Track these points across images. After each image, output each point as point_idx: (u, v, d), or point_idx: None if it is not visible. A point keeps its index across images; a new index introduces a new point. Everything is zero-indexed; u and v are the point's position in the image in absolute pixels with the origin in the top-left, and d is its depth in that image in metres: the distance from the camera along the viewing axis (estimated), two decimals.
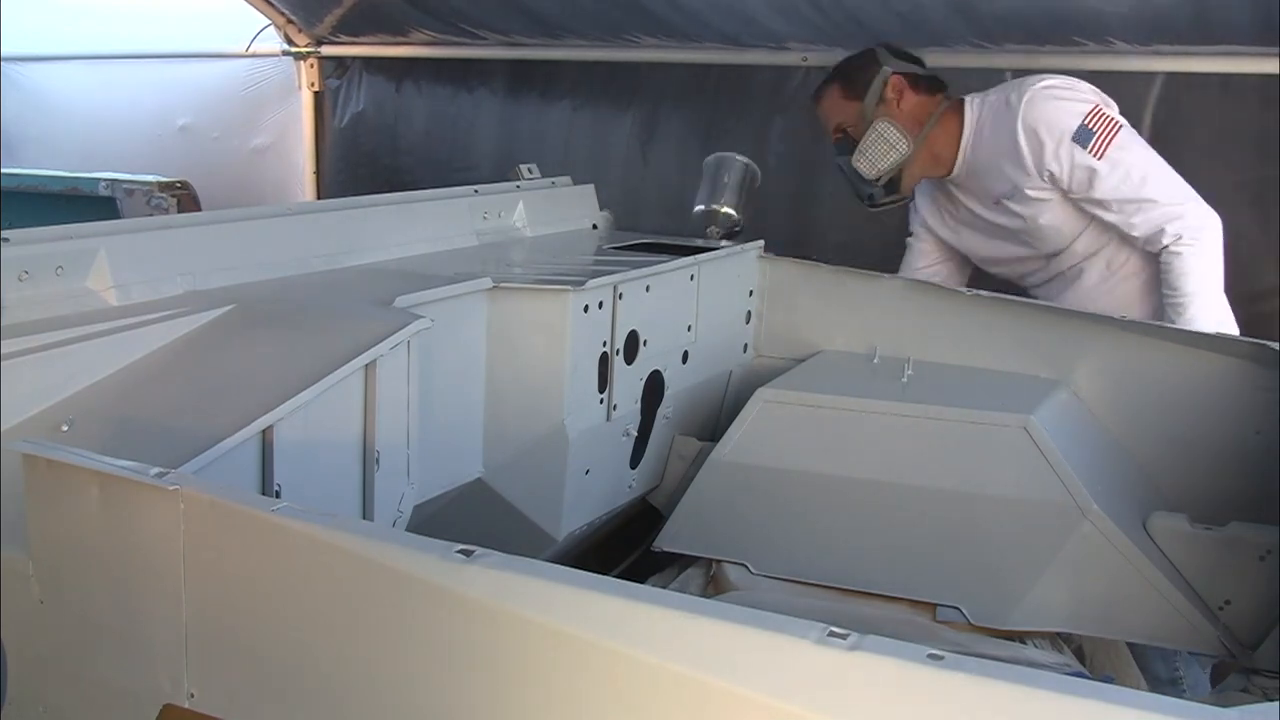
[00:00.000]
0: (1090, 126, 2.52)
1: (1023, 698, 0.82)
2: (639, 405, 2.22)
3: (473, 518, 2.01)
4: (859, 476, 2.08)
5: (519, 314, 1.97)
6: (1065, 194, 2.59)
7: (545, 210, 2.65)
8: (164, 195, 3.57)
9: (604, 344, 2.07)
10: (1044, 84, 2.61)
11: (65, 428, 1.41)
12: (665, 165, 3.92)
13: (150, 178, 3.64)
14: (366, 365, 1.60)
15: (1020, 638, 1.99)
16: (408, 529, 1.73)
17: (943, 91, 2.79)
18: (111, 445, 1.32)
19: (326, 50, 4.66)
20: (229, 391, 1.54)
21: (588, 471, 2.10)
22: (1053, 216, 2.64)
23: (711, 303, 2.38)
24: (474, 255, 2.33)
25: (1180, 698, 1.41)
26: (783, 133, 3.75)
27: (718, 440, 2.21)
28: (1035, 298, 2.84)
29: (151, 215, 3.42)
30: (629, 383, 2.17)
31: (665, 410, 2.31)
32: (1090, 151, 2.51)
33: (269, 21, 4.62)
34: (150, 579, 1.15)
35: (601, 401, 2.10)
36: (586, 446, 2.06)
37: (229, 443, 1.36)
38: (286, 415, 1.46)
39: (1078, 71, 2.76)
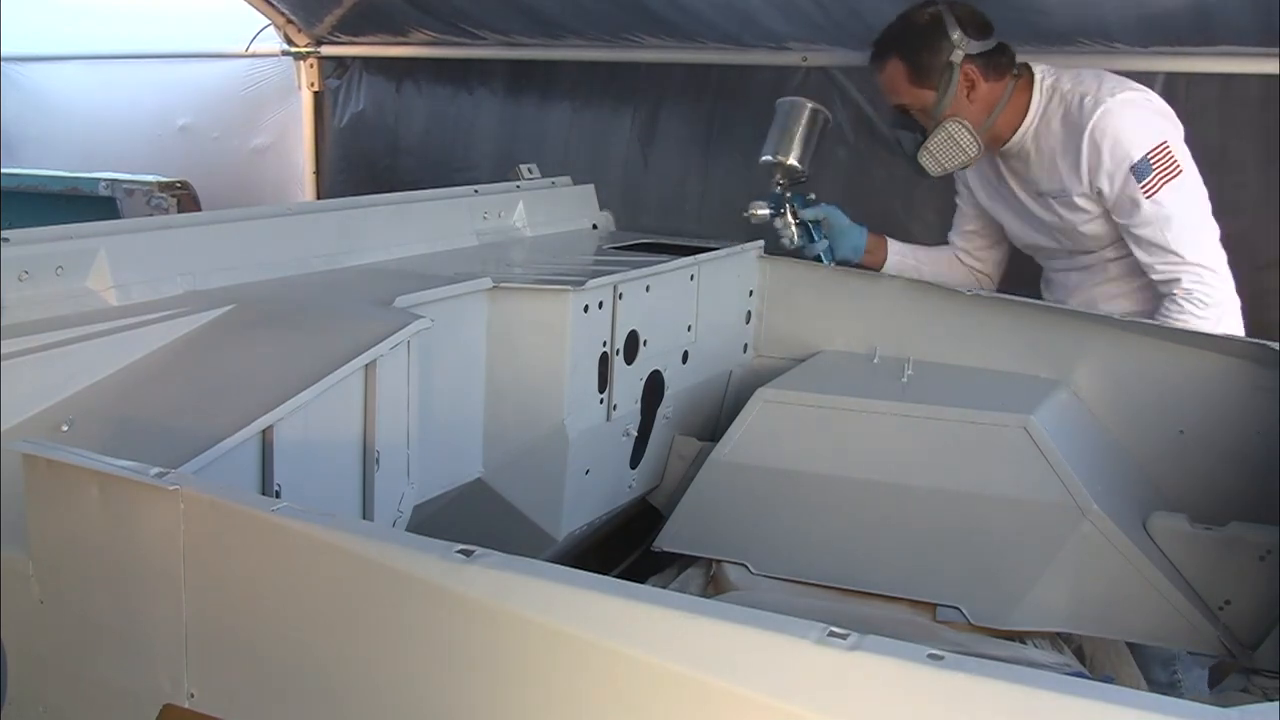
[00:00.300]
0: (1151, 162, 2.47)
1: (1023, 698, 0.82)
2: (639, 405, 2.22)
3: (473, 518, 2.01)
4: (859, 476, 2.08)
5: (519, 314, 1.97)
6: (1107, 211, 2.57)
7: (545, 210, 2.65)
8: (164, 195, 3.57)
9: (604, 344, 2.07)
10: (1122, 95, 2.53)
11: (65, 428, 1.41)
12: (665, 165, 3.92)
13: (150, 178, 3.64)
14: (366, 365, 1.60)
15: (1020, 638, 1.99)
16: (408, 529, 1.73)
17: (1010, 70, 2.65)
18: (111, 445, 1.32)
19: (326, 50, 4.65)
20: (229, 391, 1.54)
21: (588, 471, 2.10)
22: (1093, 227, 2.62)
23: (711, 303, 2.38)
24: (474, 255, 2.33)
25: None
26: None
27: (718, 440, 2.21)
28: (1052, 278, 2.84)
29: (151, 215, 3.41)
30: (629, 383, 2.17)
31: (665, 410, 2.31)
32: (1142, 187, 2.47)
33: (269, 21, 4.61)
34: (150, 579, 1.15)
35: (601, 401, 2.10)
36: (586, 446, 2.06)
37: (229, 443, 1.36)
38: (286, 415, 1.46)
39: None
